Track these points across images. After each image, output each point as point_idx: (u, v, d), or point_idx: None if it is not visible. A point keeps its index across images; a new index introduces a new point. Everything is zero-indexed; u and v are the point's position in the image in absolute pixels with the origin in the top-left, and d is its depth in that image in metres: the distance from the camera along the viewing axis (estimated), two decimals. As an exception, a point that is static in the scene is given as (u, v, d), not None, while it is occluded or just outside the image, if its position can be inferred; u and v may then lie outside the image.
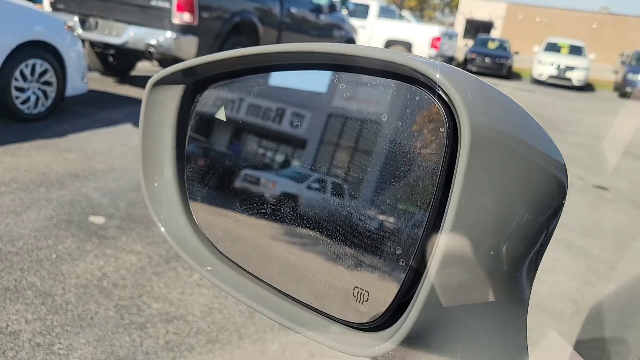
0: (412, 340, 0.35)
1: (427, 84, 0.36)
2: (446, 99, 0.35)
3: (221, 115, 0.49)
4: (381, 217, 0.37)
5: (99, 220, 3.32)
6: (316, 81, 0.43)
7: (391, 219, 0.37)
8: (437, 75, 0.34)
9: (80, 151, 4.60)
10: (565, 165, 0.38)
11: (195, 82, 0.51)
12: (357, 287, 0.38)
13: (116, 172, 4.19)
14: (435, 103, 0.35)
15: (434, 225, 0.35)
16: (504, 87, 16.49)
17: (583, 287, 3.40)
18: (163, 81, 0.51)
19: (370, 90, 0.39)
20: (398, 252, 0.36)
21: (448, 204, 0.33)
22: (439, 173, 0.35)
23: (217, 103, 0.50)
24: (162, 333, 2.30)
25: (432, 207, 0.35)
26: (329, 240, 0.39)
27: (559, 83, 19.30)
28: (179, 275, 2.79)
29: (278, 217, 0.43)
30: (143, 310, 2.45)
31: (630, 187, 6.16)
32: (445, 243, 0.33)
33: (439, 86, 0.34)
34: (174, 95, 0.52)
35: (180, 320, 2.41)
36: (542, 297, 3.12)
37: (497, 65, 20.11)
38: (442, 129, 0.35)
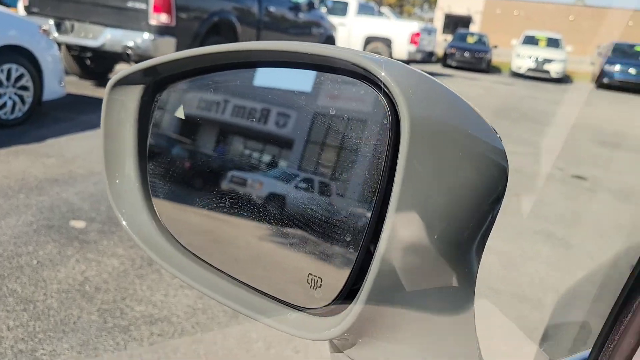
0: (362, 323, 0.36)
1: (372, 80, 0.37)
2: (389, 93, 0.36)
3: (180, 113, 0.50)
4: (331, 206, 0.39)
5: (79, 224, 3.30)
6: (268, 77, 0.44)
7: (341, 208, 0.38)
8: (382, 73, 0.36)
9: (59, 156, 4.55)
10: (505, 152, 0.40)
11: (156, 81, 0.53)
12: (311, 274, 0.39)
13: (96, 176, 4.16)
14: (380, 97, 0.37)
15: (380, 213, 0.36)
16: (484, 80, 16.64)
17: (563, 276, 3.45)
18: (123, 81, 0.52)
19: (318, 86, 0.40)
20: (347, 240, 0.37)
21: (392, 192, 0.35)
22: (383, 163, 0.36)
23: (176, 102, 0.51)
24: (147, 335, 2.30)
25: (377, 196, 0.36)
26: (284, 230, 0.41)
27: (538, 75, 19.51)
28: (162, 278, 2.78)
29: (235, 211, 0.45)
30: (126, 313, 2.45)
31: (607, 176, 6.26)
32: (390, 229, 0.35)
33: (381, 81, 0.36)
34: (133, 95, 0.53)
35: (164, 322, 2.41)
36: (523, 286, 3.17)
37: (477, 59, 20.27)
38: (385, 121, 0.37)
